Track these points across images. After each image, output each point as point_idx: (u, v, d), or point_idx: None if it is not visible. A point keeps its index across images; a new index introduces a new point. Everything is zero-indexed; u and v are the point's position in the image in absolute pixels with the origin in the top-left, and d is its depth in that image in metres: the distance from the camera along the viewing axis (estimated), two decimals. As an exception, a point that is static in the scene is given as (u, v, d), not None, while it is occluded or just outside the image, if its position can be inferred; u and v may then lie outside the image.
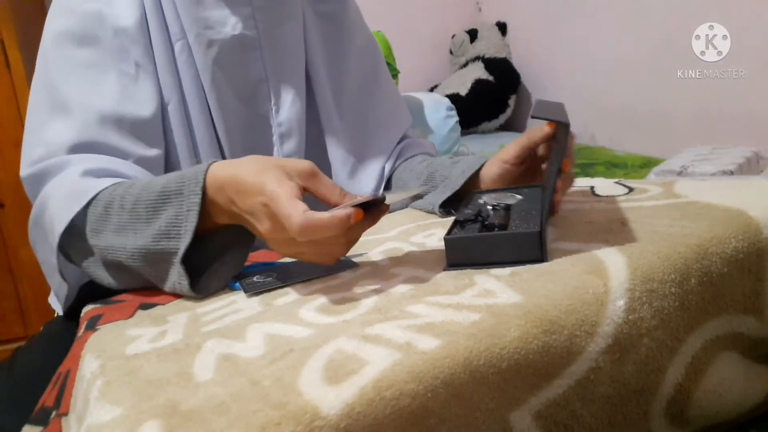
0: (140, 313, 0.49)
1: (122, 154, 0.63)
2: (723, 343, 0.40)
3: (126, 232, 0.52)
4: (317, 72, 0.76)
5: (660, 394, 0.38)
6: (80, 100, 0.63)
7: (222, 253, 0.53)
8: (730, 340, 0.41)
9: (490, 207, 0.52)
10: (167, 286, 0.51)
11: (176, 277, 0.50)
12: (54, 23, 0.67)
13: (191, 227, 0.49)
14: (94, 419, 0.32)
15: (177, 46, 0.68)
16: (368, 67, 0.83)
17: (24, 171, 0.63)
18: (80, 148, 0.62)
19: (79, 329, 0.50)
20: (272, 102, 0.72)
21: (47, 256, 0.59)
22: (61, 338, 0.70)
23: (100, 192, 0.55)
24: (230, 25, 0.68)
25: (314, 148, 0.76)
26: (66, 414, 0.40)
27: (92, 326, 0.47)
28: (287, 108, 0.72)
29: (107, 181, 0.57)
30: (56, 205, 0.56)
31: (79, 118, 0.62)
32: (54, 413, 0.42)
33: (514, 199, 0.54)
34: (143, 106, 0.65)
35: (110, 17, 0.65)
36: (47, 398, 0.45)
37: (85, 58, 0.65)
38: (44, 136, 0.63)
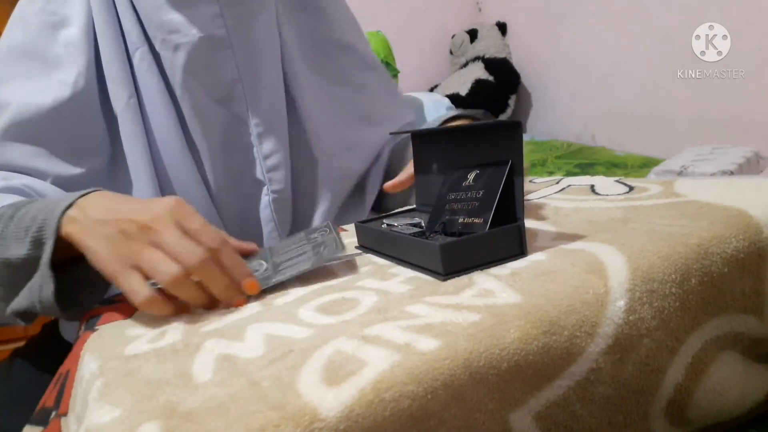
0: (140, 313, 0.49)
1: (39, 175, 0.63)
2: (723, 343, 0.40)
3: (9, 240, 0.49)
4: (291, 66, 0.73)
5: (660, 394, 0.38)
6: (8, 114, 0.62)
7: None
8: (730, 340, 0.41)
9: (405, 225, 0.54)
10: (25, 296, 0.48)
11: (39, 281, 0.47)
12: (8, 34, 0.66)
13: (52, 230, 0.47)
14: (93, 420, 0.32)
15: (137, 55, 0.66)
16: (358, 61, 0.81)
17: None
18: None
19: (78, 329, 0.50)
20: (247, 101, 0.69)
21: None
22: (60, 338, 0.70)
23: None
24: (197, 26, 0.64)
25: (298, 147, 0.74)
26: (66, 414, 0.40)
27: (92, 326, 0.47)
28: (264, 106, 0.70)
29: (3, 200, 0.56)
30: None
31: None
32: (54, 413, 0.42)
33: (418, 218, 0.56)
34: (73, 122, 0.63)
35: (60, 27, 0.64)
36: (47, 398, 0.45)
37: (25, 69, 0.64)
38: None
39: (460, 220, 0.47)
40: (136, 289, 0.44)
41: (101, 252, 0.46)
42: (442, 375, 0.31)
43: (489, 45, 2.03)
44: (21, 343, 0.75)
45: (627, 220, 0.47)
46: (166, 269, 0.43)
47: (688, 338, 0.39)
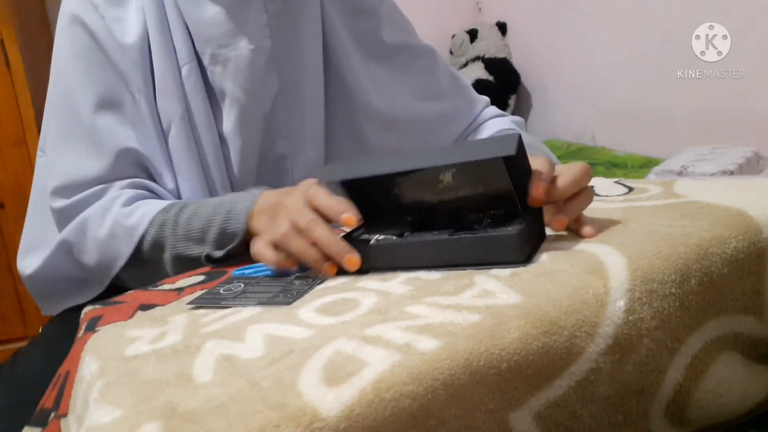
0: (140, 314, 0.49)
1: (146, 187, 0.66)
2: (723, 344, 0.40)
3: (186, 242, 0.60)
4: (350, 74, 0.72)
5: (660, 394, 0.38)
6: (106, 132, 0.65)
7: None
8: (730, 341, 0.40)
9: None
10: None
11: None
12: (68, 37, 0.66)
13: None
14: (93, 421, 0.32)
15: (184, 71, 0.66)
16: (420, 65, 0.79)
17: (57, 203, 0.65)
18: (112, 180, 0.65)
19: (79, 330, 0.50)
20: (286, 112, 0.69)
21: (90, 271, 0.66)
22: (61, 340, 0.70)
23: (147, 227, 0.61)
24: (246, 38, 0.65)
25: (342, 152, 0.74)
26: (65, 415, 0.40)
27: (92, 327, 0.47)
28: (302, 117, 0.69)
29: (148, 209, 0.62)
30: (105, 243, 0.63)
31: (107, 152, 0.64)
32: (53, 414, 0.42)
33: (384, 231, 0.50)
34: (147, 139, 0.66)
35: (118, 36, 0.65)
36: (47, 400, 0.45)
37: (103, 83, 0.65)
38: (73, 167, 0.65)
39: (476, 217, 0.47)
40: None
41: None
42: (443, 375, 0.31)
43: (489, 45, 2.03)
44: (22, 343, 0.75)
45: (627, 220, 0.47)
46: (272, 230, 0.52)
47: (688, 338, 0.39)
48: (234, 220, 0.58)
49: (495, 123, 0.82)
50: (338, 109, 0.74)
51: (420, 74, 0.80)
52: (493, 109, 0.85)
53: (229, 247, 0.57)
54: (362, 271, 0.47)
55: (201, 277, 0.56)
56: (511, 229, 0.43)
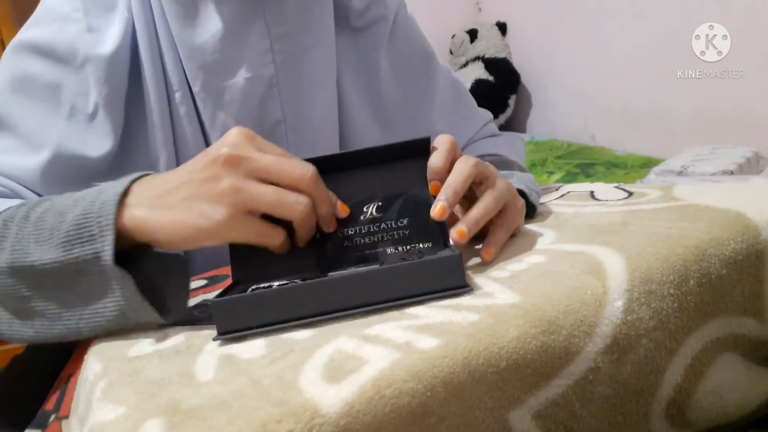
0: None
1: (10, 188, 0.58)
2: (723, 345, 0.40)
3: (27, 243, 0.42)
4: (347, 98, 0.68)
5: (659, 395, 0.38)
6: (22, 131, 0.57)
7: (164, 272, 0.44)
8: (730, 342, 0.41)
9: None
10: (102, 310, 0.41)
11: (118, 288, 0.39)
12: (28, 31, 0.59)
13: (109, 221, 0.39)
14: (96, 419, 0.32)
15: (177, 97, 0.60)
16: (420, 73, 0.74)
17: None
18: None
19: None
20: (288, 143, 0.63)
21: None
22: (60, 344, 0.70)
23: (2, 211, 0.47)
24: (243, 66, 0.59)
25: None
26: (66, 417, 0.41)
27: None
28: (307, 148, 0.64)
29: (12, 202, 0.51)
30: None
31: (12, 154, 0.57)
32: (53, 416, 0.43)
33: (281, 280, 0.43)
34: (89, 153, 0.57)
35: (90, 45, 0.57)
36: (47, 402, 0.45)
37: (43, 78, 0.57)
38: None
39: (390, 251, 0.45)
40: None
41: (181, 217, 0.39)
42: (442, 372, 0.32)
43: (489, 45, 2.04)
44: (21, 347, 0.75)
45: (626, 223, 0.48)
46: (294, 200, 0.39)
47: (687, 339, 0.39)
48: (93, 221, 0.40)
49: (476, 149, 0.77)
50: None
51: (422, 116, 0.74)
52: (490, 128, 0.81)
53: (102, 246, 0.39)
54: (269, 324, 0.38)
55: (203, 281, 0.56)
56: (449, 251, 0.41)
